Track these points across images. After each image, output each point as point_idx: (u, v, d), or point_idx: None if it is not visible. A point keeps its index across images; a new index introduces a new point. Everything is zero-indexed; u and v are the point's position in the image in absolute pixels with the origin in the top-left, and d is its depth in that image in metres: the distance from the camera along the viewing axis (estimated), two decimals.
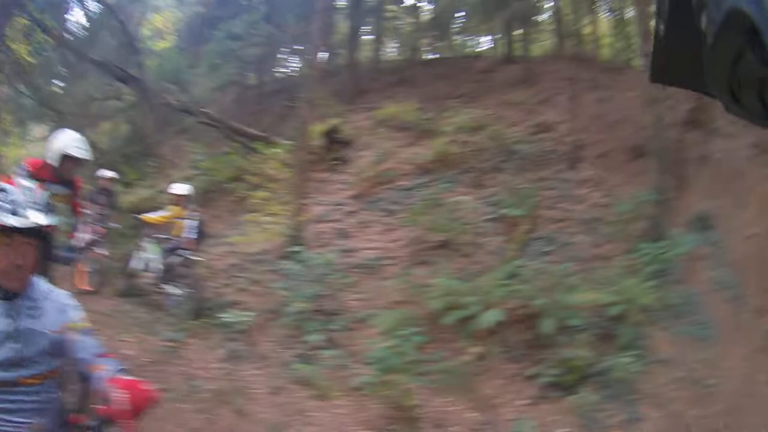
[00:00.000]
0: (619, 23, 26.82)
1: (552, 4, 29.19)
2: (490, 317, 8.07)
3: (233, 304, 9.48)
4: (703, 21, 0.77)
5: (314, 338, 8.17)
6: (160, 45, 25.69)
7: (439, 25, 27.32)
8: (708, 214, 11.77)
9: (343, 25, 26.74)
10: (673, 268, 9.89)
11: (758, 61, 0.66)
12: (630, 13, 28.31)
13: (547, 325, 8.08)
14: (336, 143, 15.54)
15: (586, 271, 10.10)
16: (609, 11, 29.40)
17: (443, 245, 11.09)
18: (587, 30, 27.31)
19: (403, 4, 28.02)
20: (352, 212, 12.68)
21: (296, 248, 10.23)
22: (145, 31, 25.61)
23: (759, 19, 0.62)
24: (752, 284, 10.30)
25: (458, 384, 7.52)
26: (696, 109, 16.15)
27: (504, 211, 11.97)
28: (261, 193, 12.31)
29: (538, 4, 26.07)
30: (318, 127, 15.48)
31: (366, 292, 9.64)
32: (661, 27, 0.96)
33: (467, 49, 31.04)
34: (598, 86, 19.72)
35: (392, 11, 27.81)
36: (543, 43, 34.10)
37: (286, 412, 6.62)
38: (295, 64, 29.00)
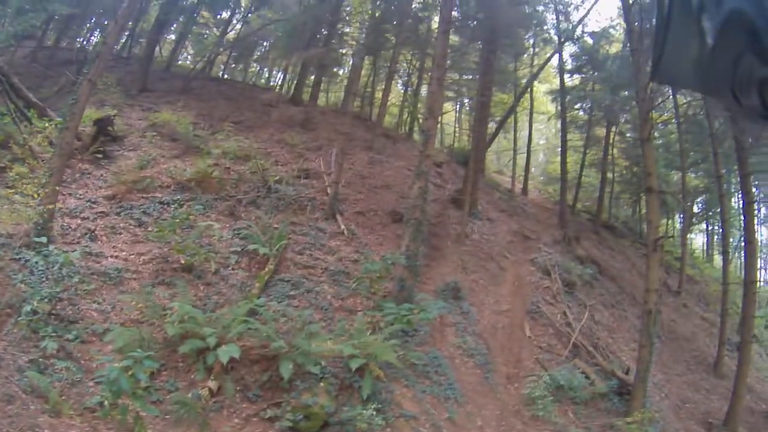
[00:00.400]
0: (410, 97, 29.75)
1: (351, 60, 31.47)
2: (227, 352, 8.33)
3: None
4: (704, 22, 0.82)
5: (50, 345, 7.83)
6: None
7: (241, 47, 27.36)
8: (459, 285, 13.82)
9: (152, 14, 25.62)
10: (420, 331, 11.29)
11: (758, 62, 0.72)
12: (422, 91, 31.83)
13: (286, 369, 8.55)
14: (105, 135, 14.87)
15: (329, 321, 11.13)
16: (403, 84, 32.55)
17: (187, 269, 11.32)
18: (378, 95, 29.67)
19: (220, 16, 27.59)
20: (103, 214, 12.26)
21: (42, 239, 9.66)
22: None
23: (759, 20, 0.69)
24: (501, 354, 12.40)
25: (193, 419, 7.61)
26: (462, 191, 18.73)
27: (253, 246, 12.46)
28: (21, 168, 11.29)
29: (338, 56, 27.78)
30: (93, 113, 14.80)
31: (105, 304, 9.48)
32: (663, 28, 0.97)
33: (259, 79, 31.53)
34: (372, 148, 21.78)
35: (204, 18, 27.30)
36: (332, 94, 36.10)
37: (19, 426, 6.34)
38: (96, 39, 26.85)
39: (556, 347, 13.51)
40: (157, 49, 26.24)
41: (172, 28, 28.05)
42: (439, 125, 24.82)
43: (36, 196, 10.12)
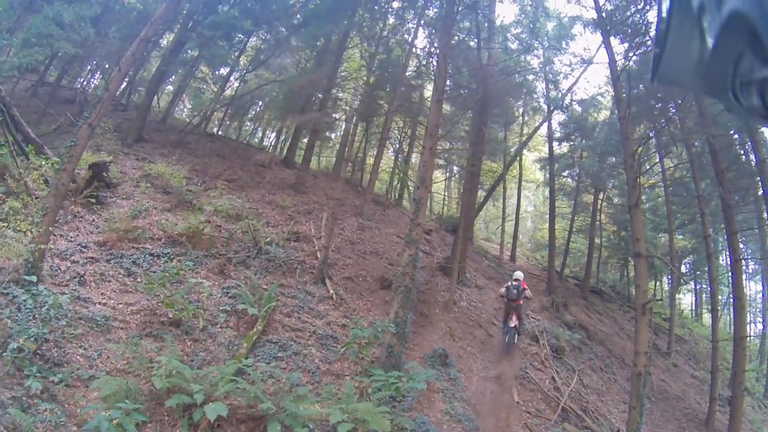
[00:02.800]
0: (401, 164, 30.34)
1: (344, 126, 32.21)
2: (214, 410, 8.18)
3: None
4: (705, 22, 0.83)
5: (34, 385, 7.62)
6: None
7: (237, 105, 27.91)
8: (447, 352, 13.86)
9: (153, 64, 26.23)
10: (407, 396, 11.18)
11: (759, 62, 0.74)
12: (413, 158, 32.54)
13: (274, 431, 8.42)
14: (100, 181, 14.97)
15: (316, 384, 11.00)
16: (394, 151, 33.25)
17: (175, 324, 11.21)
18: (369, 160, 30.22)
19: (218, 72, 28.25)
20: (93, 259, 12.16)
21: (32, 278, 9.55)
22: None
23: (760, 21, 0.71)
24: (489, 419, 12.27)
25: None
26: (451, 259, 18.92)
27: (242, 306, 12.40)
28: (14, 203, 11.28)
29: (331, 121, 28.44)
30: (89, 157, 14.93)
31: (91, 350, 9.26)
32: (663, 28, 0.98)
33: (253, 139, 32.05)
34: (363, 214, 22.14)
35: (203, 73, 27.94)
36: (325, 158, 36.73)
37: None
38: (97, 82, 27.46)
39: (545, 412, 13.56)
40: (155, 99, 26.66)
41: (171, 80, 28.71)
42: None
43: (28, 233, 10.04)
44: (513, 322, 15.01)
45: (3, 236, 10.08)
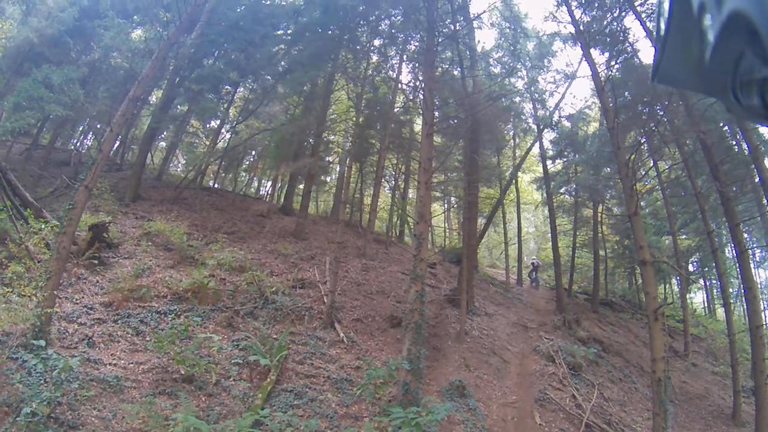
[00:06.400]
0: (398, 201, 30.54)
1: (338, 168, 32.47)
2: None
3: None
4: (705, 22, 0.83)
5: None
6: None
7: (230, 157, 28.18)
8: (464, 383, 13.79)
9: (144, 122, 26.58)
10: (428, 431, 10.94)
11: (759, 62, 0.74)
12: (410, 193, 32.78)
13: None
14: (101, 242, 15.04)
15: (335, 429, 10.86)
16: (390, 188, 33.49)
17: (188, 380, 11.10)
18: (366, 200, 30.37)
19: (209, 126, 28.60)
20: (100, 320, 12.12)
21: (40, 342, 9.49)
22: None
23: (760, 21, 0.71)
24: None
25: None
26: (458, 289, 18.89)
27: (254, 357, 12.30)
28: (17, 267, 11.32)
29: (325, 165, 28.67)
30: (88, 219, 15.03)
31: (105, 411, 9.13)
32: (663, 29, 0.99)
33: (249, 189, 32.27)
34: (365, 254, 22.22)
35: (194, 127, 28.28)
36: (322, 202, 36.97)
37: None
38: (90, 142, 27.89)
39: (569, 431, 13.38)
40: (149, 156, 26.89)
41: (163, 136, 29.04)
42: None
43: (33, 297, 10.05)
44: (536, 275, 30.26)
45: (8, 301, 10.09)
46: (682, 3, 0.91)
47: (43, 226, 12.88)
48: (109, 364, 10.76)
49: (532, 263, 31.85)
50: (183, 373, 11.21)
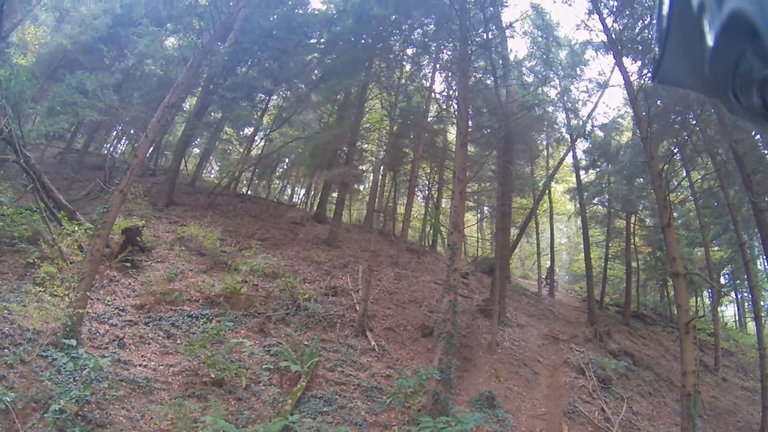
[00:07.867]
0: (431, 210, 30.39)
1: (372, 177, 32.49)
2: None
3: None
4: (705, 22, 0.83)
5: None
6: (19, 59, 23.02)
7: (264, 164, 28.34)
8: (494, 394, 13.65)
9: (178, 128, 26.93)
10: None
11: (759, 62, 0.73)
12: (444, 202, 32.65)
13: None
14: (134, 245, 15.20)
15: None
16: (423, 198, 33.40)
17: (218, 383, 11.07)
18: (399, 209, 30.30)
19: (242, 133, 28.84)
20: (132, 322, 12.21)
21: (71, 341, 9.61)
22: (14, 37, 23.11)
23: (760, 21, 0.70)
24: None
25: None
26: (490, 300, 18.67)
27: (285, 363, 12.23)
28: (50, 267, 11.49)
29: (359, 174, 28.65)
30: (122, 222, 15.19)
31: (134, 411, 9.14)
32: (663, 29, 0.99)
33: (283, 196, 32.45)
34: (398, 263, 22.11)
35: (228, 134, 28.55)
36: (356, 210, 37.01)
37: None
38: (123, 147, 28.51)
39: None
40: (183, 162, 27.24)
41: (197, 143, 29.39)
42: None
43: (65, 297, 10.12)
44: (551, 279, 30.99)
45: (40, 300, 10.17)
46: (682, 3, 0.91)
47: (76, 229, 13.04)
48: (140, 365, 10.81)
49: (549, 266, 31.88)
50: (213, 376, 11.21)
